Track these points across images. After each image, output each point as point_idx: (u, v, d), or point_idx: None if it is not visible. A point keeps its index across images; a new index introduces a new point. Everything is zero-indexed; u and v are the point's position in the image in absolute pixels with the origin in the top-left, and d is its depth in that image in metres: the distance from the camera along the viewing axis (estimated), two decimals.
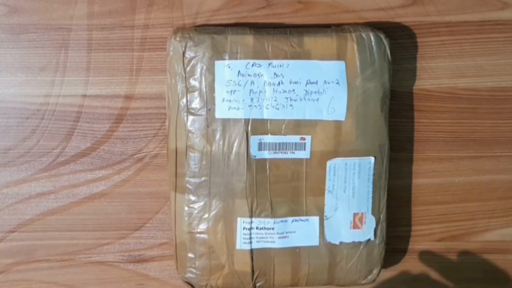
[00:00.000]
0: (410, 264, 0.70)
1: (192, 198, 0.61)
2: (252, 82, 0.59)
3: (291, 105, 0.59)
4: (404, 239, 0.69)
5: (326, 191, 0.61)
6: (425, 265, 0.69)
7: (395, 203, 0.67)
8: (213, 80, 0.59)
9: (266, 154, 0.60)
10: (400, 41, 0.65)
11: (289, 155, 0.60)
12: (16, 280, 0.68)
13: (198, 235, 0.61)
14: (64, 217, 0.67)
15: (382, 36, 0.60)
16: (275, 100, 0.59)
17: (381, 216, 0.63)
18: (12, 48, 0.63)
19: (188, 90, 0.59)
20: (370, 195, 0.62)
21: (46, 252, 0.68)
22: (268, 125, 0.60)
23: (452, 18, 0.64)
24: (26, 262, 0.68)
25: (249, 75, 0.59)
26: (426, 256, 0.69)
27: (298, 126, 0.60)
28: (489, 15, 0.64)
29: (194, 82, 0.59)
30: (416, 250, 0.69)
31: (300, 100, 0.59)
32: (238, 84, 0.59)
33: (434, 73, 0.65)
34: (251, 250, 0.62)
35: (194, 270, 0.62)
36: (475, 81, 0.66)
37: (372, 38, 0.60)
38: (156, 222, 0.67)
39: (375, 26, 0.62)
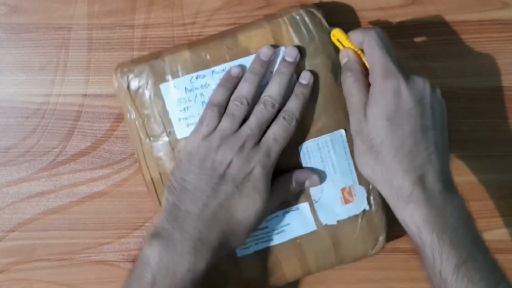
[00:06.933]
0: (410, 264, 0.69)
1: None
2: (202, 94, 0.59)
3: None
4: (404, 239, 0.69)
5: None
6: None
7: None
8: (164, 104, 0.59)
9: None
10: (400, 41, 0.65)
11: None
12: (16, 280, 0.68)
13: None
14: (64, 216, 0.67)
15: (313, 10, 0.59)
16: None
17: (371, 185, 0.62)
18: (13, 47, 0.64)
19: (144, 120, 0.59)
20: (352, 166, 0.61)
21: (46, 251, 0.68)
22: None
23: (451, 18, 0.64)
24: (26, 262, 0.68)
25: (196, 88, 0.59)
26: None
27: None
28: (489, 14, 0.64)
29: (146, 111, 0.59)
30: None
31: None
32: (189, 100, 0.59)
33: (434, 73, 0.65)
34: (254, 254, 0.62)
35: None
36: (475, 81, 0.66)
37: (304, 15, 0.59)
38: (156, 221, 0.67)
39: (375, 26, 0.62)
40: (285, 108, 0.58)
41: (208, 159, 0.56)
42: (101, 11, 0.63)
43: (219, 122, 0.57)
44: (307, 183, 0.60)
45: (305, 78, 0.59)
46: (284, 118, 0.57)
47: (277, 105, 0.57)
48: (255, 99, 0.58)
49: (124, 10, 0.63)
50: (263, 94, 0.58)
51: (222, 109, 0.57)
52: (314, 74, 0.59)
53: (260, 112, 0.57)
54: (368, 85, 0.57)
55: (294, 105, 0.58)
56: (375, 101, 0.55)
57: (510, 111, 0.66)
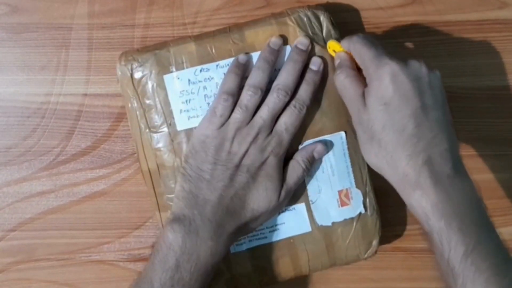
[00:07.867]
0: (410, 263, 0.69)
1: None
2: (205, 87, 0.59)
3: None
4: (404, 238, 0.69)
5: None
6: (426, 263, 0.69)
7: (395, 202, 0.67)
8: (166, 95, 0.59)
9: None
10: (399, 41, 0.65)
11: None
12: (16, 279, 0.68)
13: None
14: (64, 216, 0.67)
15: (319, 12, 0.60)
16: None
17: (367, 188, 0.62)
18: (13, 47, 0.64)
19: (145, 110, 0.60)
20: (350, 169, 0.61)
21: (46, 251, 0.68)
22: None
23: (451, 17, 0.64)
24: (26, 261, 0.68)
25: (199, 81, 0.59)
26: (426, 254, 0.69)
27: None
28: (488, 14, 0.64)
29: (148, 101, 0.59)
30: (417, 249, 0.69)
31: None
32: (191, 92, 0.59)
33: None
34: (246, 251, 0.62)
35: None
36: (474, 80, 0.66)
37: (311, 16, 0.59)
38: (156, 221, 0.67)
39: (375, 26, 0.62)
40: (297, 96, 0.58)
41: (223, 150, 0.57)
42: (101, 10, 0.63)
43: (232, 111, 0.57)
44: (316, 155, 0.60)
45: (316, 64, 0.59)
46: (295, 106, 0.58)
47: (289, 94, 0.58)
48: (267, 86, 0.58)
49: (124, 10, 0.63)
50: (275, 83, 0.58)
51: (235, 97, 0.58)
52: (324, 61, 0.59)
53: (273, 103, 0.57)
54: (362, 79, 0.57)
55: (305, 92, 0.58)
56: (372, 89, 0.55)
57: (510, 110, 0.67)
